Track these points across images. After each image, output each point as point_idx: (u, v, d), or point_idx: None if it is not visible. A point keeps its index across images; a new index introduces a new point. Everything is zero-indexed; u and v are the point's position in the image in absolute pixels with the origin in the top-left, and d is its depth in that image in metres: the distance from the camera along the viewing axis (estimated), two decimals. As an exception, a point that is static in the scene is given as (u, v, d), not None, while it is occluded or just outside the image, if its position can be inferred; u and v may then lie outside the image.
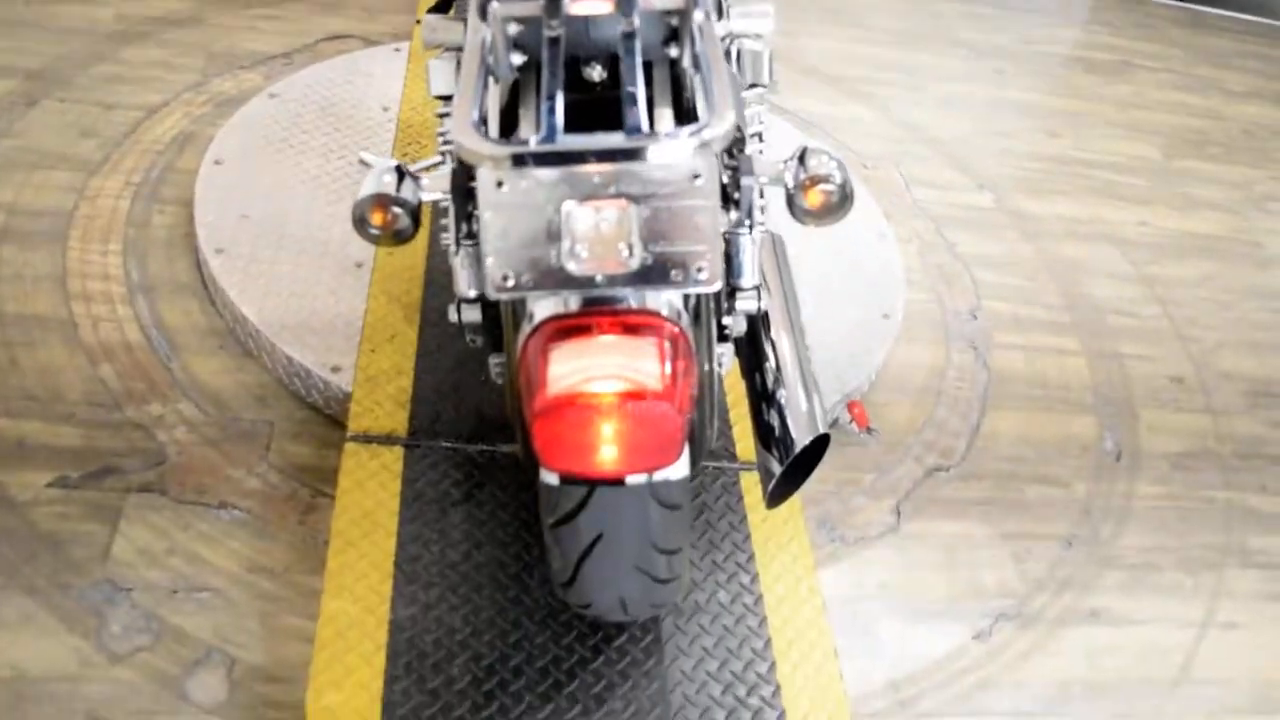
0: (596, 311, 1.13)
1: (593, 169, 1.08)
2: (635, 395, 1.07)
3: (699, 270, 1.12)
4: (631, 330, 1.11)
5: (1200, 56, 4.31)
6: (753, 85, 1.58)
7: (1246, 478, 2.47)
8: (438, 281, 2.27)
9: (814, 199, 1.27)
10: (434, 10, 1.50)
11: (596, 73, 1.26)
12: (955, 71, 3.82)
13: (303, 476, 2.05)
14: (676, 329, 1.14)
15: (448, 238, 1.35)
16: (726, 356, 1.58)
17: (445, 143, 1.58)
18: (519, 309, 1.22)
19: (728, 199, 1.27)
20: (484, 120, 1.13)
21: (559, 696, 1.63)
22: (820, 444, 1.55)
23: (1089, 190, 3.35)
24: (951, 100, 3.61)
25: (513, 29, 1.26)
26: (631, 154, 1.04)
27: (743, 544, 1.89)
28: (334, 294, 2.27)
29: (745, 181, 1.27)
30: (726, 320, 1.59)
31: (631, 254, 1.11)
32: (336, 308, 2.24)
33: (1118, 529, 2.27)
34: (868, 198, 2.85)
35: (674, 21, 1.29)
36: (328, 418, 2.15)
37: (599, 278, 1.11)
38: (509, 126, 1.31)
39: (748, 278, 1.55)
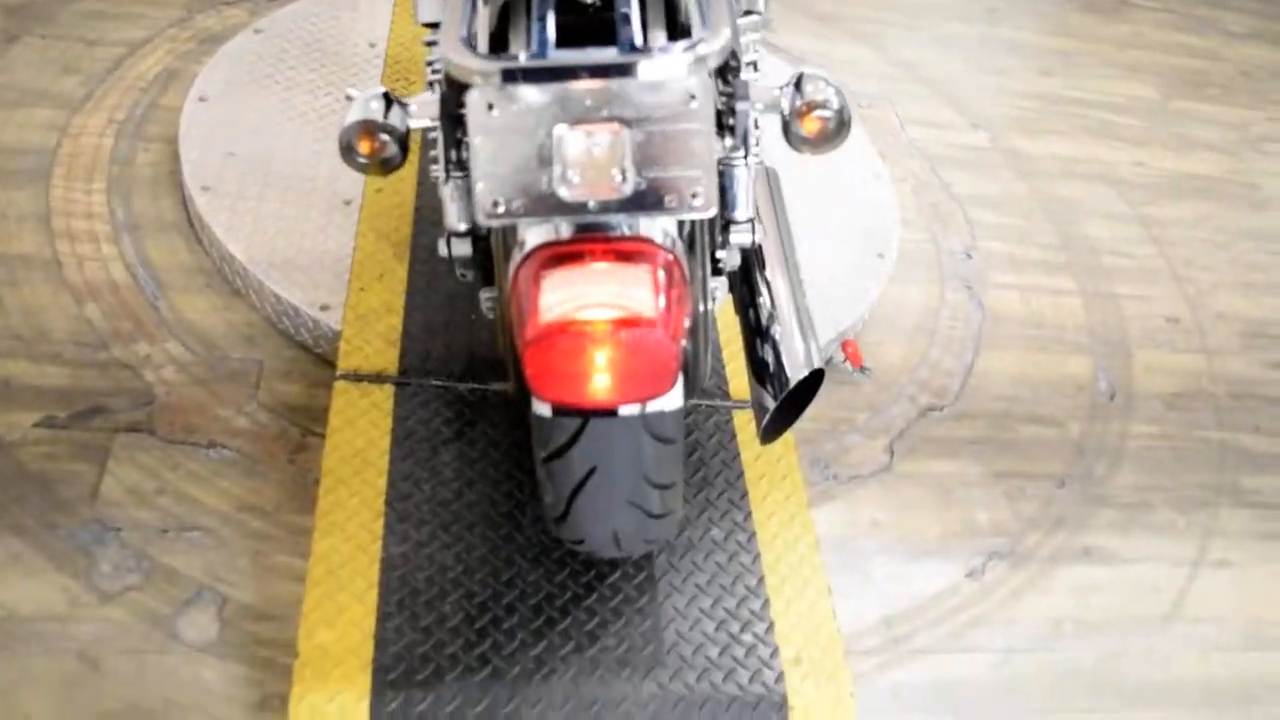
0: (589, 238, 1.11)
1: (584, 88, 1.05)
2: (629, 323, 1.05)
3: (694, 196, 1.10)
4: (625, 257, 1.09)
5: (1199, -4, 4.26)
6: (748, 13, 1.55)
7: (1240, 418, 2.47)
8: (427, 219, 2.24)
9: (810, 125, 1.24)
10: None
11: None
12: (950, 10, 3.77)
13: (292, 415, 2.03)
14: (671, 256, 1.11)
15: (437, 169, 1.32)
16: (720, 290, 1.56)
17: (434, 72, 1.55)
18: (509, 237, 1.20)
19: (723, 125, 1.24)
20: (473, 41, 1.10)
21: (552, 633, 1.62)
22: (815, 380, 1.53)
23: (1085, 130, 3.31)
24: (946, 39, 3.56)
25: None
26: (624, 69, 1.01)
27: (735, 482, 1.88)
28: (322, 231, 2.24)
29: (740, 107, 1.24)
30: (720, 254, 1.57)
31: (625, 179, 1.09)
32: (325, 245, 2.21)
33: (1111, 468, 2.27)
34: (863, 137, 2.82)
35: None
36: (317, 356, 2.13)
37: (591, 204, 1.09)
38: (499, 50, 1.27)
39: (742, 210, 1.52)
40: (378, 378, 1.94)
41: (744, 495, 1.86)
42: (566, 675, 1.58)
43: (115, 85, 2.67)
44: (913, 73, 3.35)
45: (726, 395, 2.01)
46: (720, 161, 1.49)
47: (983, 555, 2.03)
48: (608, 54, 1.03)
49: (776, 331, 1.55)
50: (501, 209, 1.09)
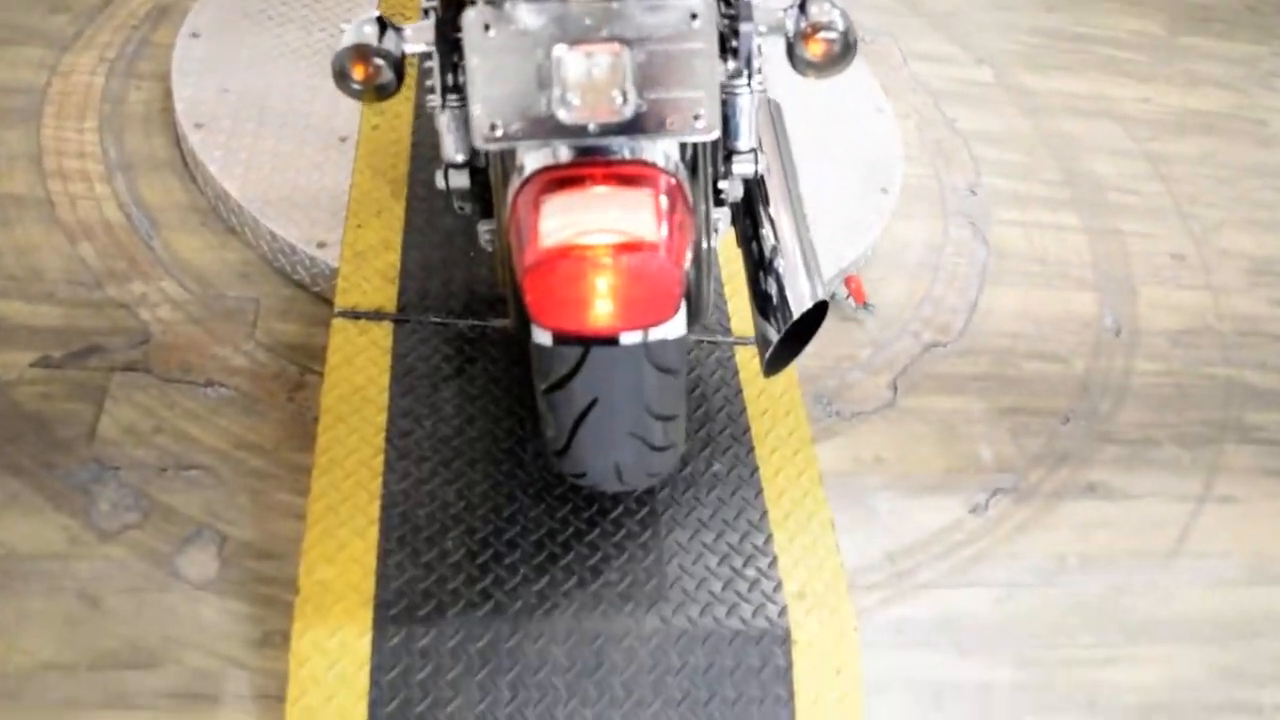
0: (589, 162, 1.08)
1: (584, 8, 1.02)
2: (631, 248, 1.03)
3: (696, 118, 1.07)
4: (626, 181, 1.07)
5: (1207, -71, 4.18)
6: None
7: (1245, 355, 2.45)
8: (424, 155, 2.21)
9: (815, 48, 1.21)
10: None
11: None
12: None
13: (291, 354, 2.01)
14: (673, 180, 1.09)
15: (433, 99, 1.29)
16: (722, 222, 1.53)
17: None
18: (508, 163, 1.17)
19: (725, 47, 1.21)
20: None
21: (554, 569, 1.62)
22: (818, 313, 1.51)
23: (1090, 65, 3.26)
24: (951, -27, 3.50)
25: None
26: None
27: (738, 417, 1.86)
28: (318, 169, 2.21)
29: (744, 28, 1.21)
30: (722, 184, 1.54)
31: (625, 101, 1.06)
32: (321, 182, 2.18)
33: (1116, 405, 2.25)
34: (865, 71, 2.77)
35: None
36: (314, 295, 2.10)
37: (591, 126, 1.06)
38: None
39: (745, 139, 1.50)
40: (376, 315, 1.92)
41: (746, 431, 1.85)
42: (569, 610, 1.57)
43: (106, 23, 2.62)
44: (915, 7, 3.29)
45: (729, 331, 2.00)
46: (723, 88, 1.47)
47: (986, 491, 2.03)
48: None
49: (780, 264, 1.53)
50: (499, 132, 1.07)
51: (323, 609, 1.54)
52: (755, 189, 1.59)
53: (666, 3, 1.03)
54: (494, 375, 1.85)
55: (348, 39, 1.20)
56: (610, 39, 1.04)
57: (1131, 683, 1.82)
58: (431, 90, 1.28)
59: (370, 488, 1.69)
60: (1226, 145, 3.08)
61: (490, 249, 1.54)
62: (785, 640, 1.59)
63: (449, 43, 1.21)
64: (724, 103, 1.52)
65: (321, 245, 2.06)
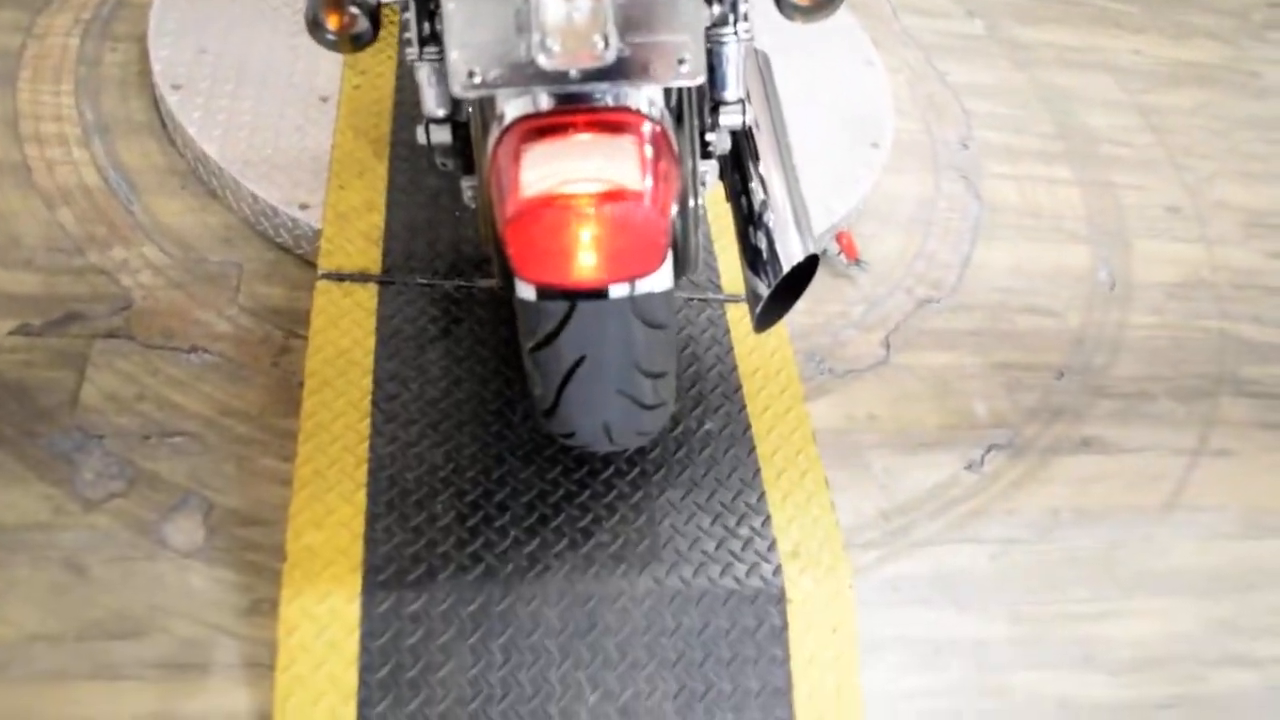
0: (571, 109, 1.05)
1: None
2: (614, 196, 1.00)
3: (680, 63, 1.04)
4: (609, 128, 1.04)
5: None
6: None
7: (1240, 308, 2.43)
8: (407, 114, 2.17)
9: None
10: None
11: None
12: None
13: (275, 318, 1.98)
14: (658, 127, 1.06)
15: (412, 51, 1.26)
16: (710, 175, 1.50)
17: None
18: (487, 112, 1.14)
19: None
20: None
21: (545, 530, 1.60)
22: (809, 267, 1.48)
23: (1082, 18, 3.22)
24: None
25: None
26: None
27: (729, 375, 1.84)
28: (299, 130, 2.17)
29: None
30: (710, 136, 1.51)
31: (607, 46, 1.02)
32: (302, 143, 2.14)
33: (1111, 358, 2.23)
34: (855, 25, 2.73)
35: None
36: (298, 258, 2.07)
37: (573, 72, 1.03)
38: None
39: (732, 90, 1.47)
40: (360, 276, 1.89)
41: (738, 389, 1.82)
42: (561, 572, 1.56)
43: (79, -17, 2.56)
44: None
45: (719, 288, 1.97)
46: (708, 36, 1.43)
47: (981, 447, 2.01)
48: None
49: (769, 218, 1.50)
50: (478, 79, 1.03)
51: (311, 575, 1.52)
52: (744, 141, 1.56)
53: None
54: (481, 336, 1.83)
55: None
56: None
57: (1126, 636, 1.81)
58: (409, 42, 1.24)
59: (357, 452, 1.67)
60: (1220, 97, 3.04)
61: (474, 206, 1.51)
62: (780, 600, 1.58)
63: None
64: (710, 52, 1.49)
65: (304, 207, 2.02)
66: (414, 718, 1.44)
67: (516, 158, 1.03)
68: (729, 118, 1.48)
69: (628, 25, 1.02)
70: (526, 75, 1.03)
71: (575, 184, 1.00)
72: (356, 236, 1.94)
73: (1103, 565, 1.89)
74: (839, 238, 2.20)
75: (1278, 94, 3.11)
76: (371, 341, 1.82)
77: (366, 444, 1.68)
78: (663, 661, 1.52)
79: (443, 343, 1.81)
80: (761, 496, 1.68)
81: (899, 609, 1.78)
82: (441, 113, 1.38)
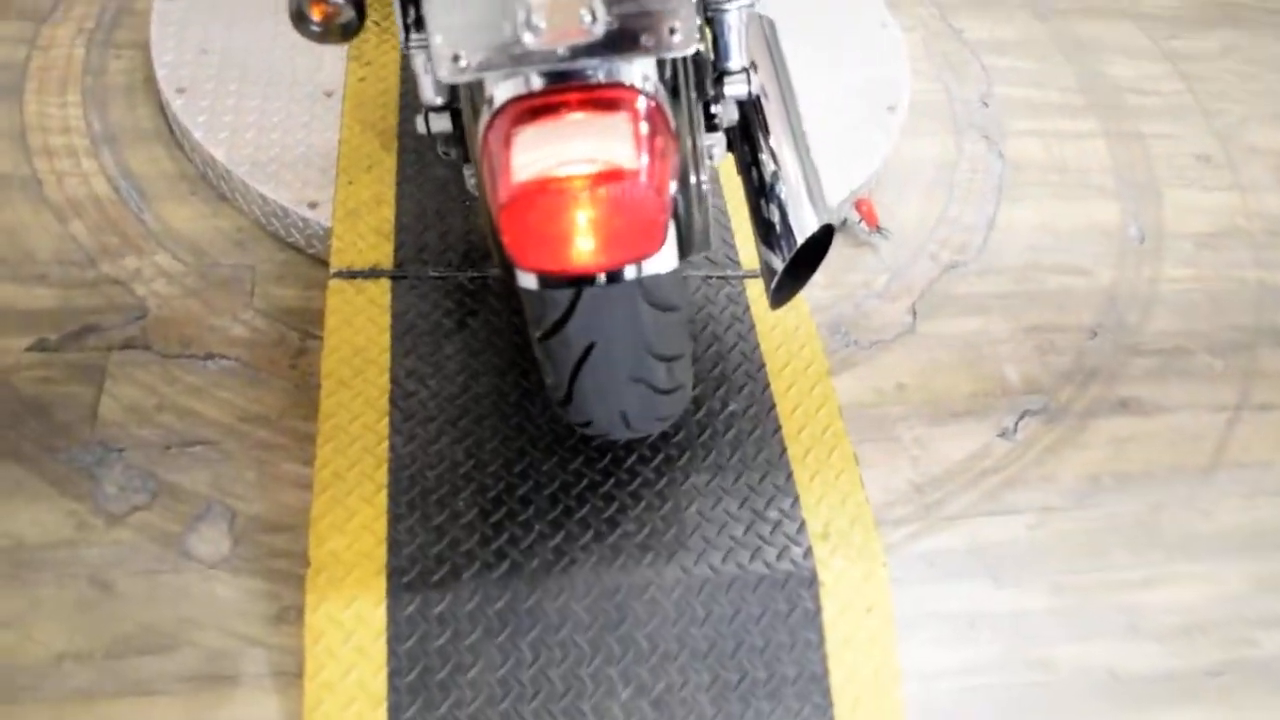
0: (562, 88, 1.01)
1: None
2: (609, 176, 0.96)
3: (671, 32, 0.99)
4: (602, 106, 1.00)
5: None
6: None
7: (1277, 255, 2.35)
8: (413, 105, 2.14)
9: None
10: None
11: None
12: None
13: (290, 320, 1.96)
14: (652, 102, 1.02)
15: (402, 38, 1.22)
16: (717, 148, 1.46)
17: None
18: (477, 96, 1.10)
19: None
20: None
21: (570, 523, 1.57)
22: (824, 238, 1.44)
23: (1103, -36, 3.13)
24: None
25: None
26: None
27: (751, 354, 1.80)
28: (305, 126, 2.14)
29: None
30: (715, 108, 1.47)
31: (595, 20, 0.98)
32: (309, 140, 2.12)
33: (1144, 315, 2.17)
34: (866, -15, 2.67)
35: None
36: (311, 257, 2.05)
37: (560, 50, 0.99)
38: None
39: (735, 59, 1.42)
40: (372, 273, 1.87)
41: (761, 367, 1.78)
42: (587, 565, 1.53)
43: (81, -9, 2.55)
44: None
45: (737, 264, 1.93)
46: (708, 4, 1.39)
47: (1014, 413, 1.96)
48: None
49: (781, 190, 1.45)
50: (463, 63, 1.00)
51: (335, 580, 1.50)
52: (751, 112, 1.51)
53: None
54: (497, 327, 1.80)
55: None
56: None
57: (1172, 602, 1.76)
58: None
59: (376, 452, 1.65)
60: (1249, 39, 2.95)
61: (477, 193, 1.47)
62: (811, 582, 1.54)
63: None
64: (710, 20, 1.44)
65: (313, 205, 2.00)
66: (445, 720, 1.43)
67: (507, 141, 0.99)
68: (734, 88, 1.43)
69: None
70: (513, 56, 0.99)
71: (568, 166, 0.96)
72: (367, 232, 1.92)
73: (1145, 530, 1.84)
74: (858, 205, 2.15)
75: (1309, 31, 3.02)
76: (387, 339, 1.79)
77: (386, 444, 1.66)
78: (694, 652, 1.49)
79: (459, 336, 1.79)
80: (789, 477, 1.64)
81: (934, 585, 1.74)
82: (440, 100, 1.35)
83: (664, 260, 1.13)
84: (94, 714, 1.49)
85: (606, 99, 1.00)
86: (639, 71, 1.03)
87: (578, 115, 0.99)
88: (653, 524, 1.58)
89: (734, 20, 1.42)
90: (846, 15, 2.54)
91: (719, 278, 1.91)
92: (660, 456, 1.66)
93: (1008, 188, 2.37)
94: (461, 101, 1.28)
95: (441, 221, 1.93)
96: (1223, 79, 2.79)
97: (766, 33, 1.63)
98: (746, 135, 1.51)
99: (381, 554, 1.53)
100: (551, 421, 1.67)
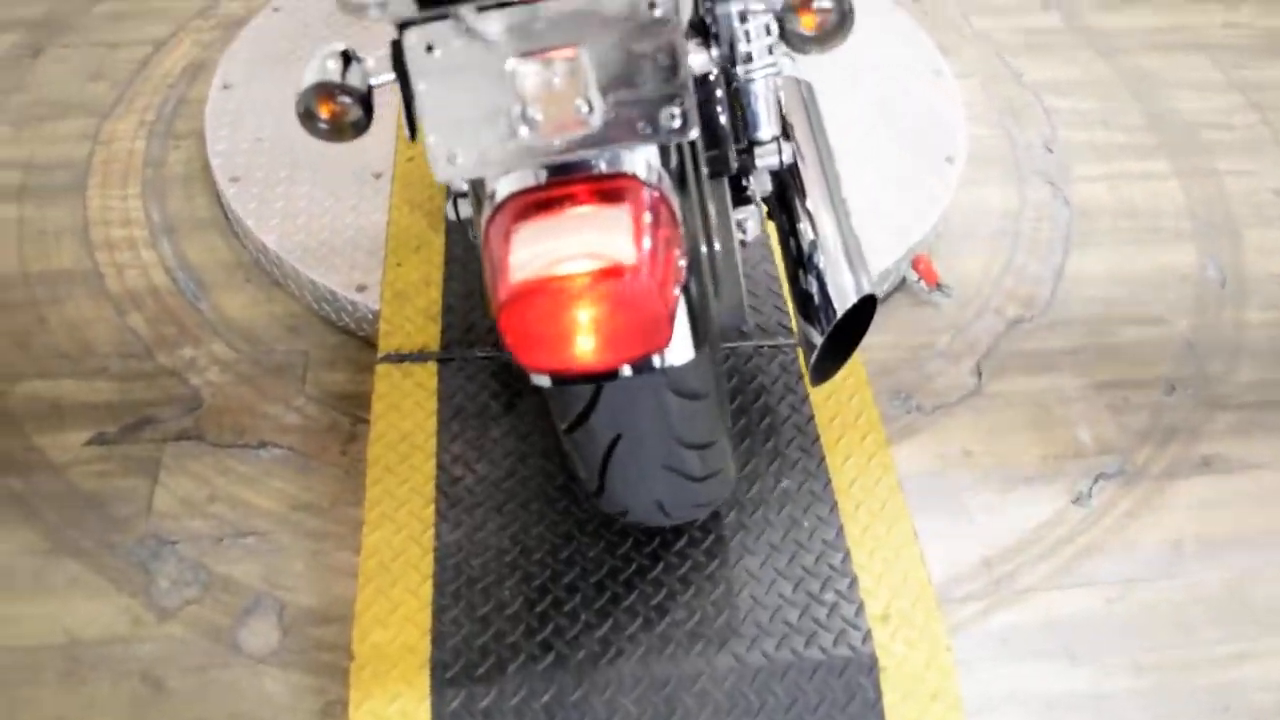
0: (561, 181, 0.98)
1: (530, 12, 0.91)
2: (609, 273, 0.92)
3: (671, 118, 0.95)
4: (601, 198, 0.96)
5: None
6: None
7: (1372, 292, 2.22)
8: (458, 185, 2.13)
9: (808, 21, 1.09)
10: None
11: None
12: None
13: (342, 405, 1.96)
14: (654, 191, 0.98)
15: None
16: (751, 221, 1.42)
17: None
18: (480, 189, 1.08)
19: (707, 34, 1.09)
20: None
21: (617, 611, 1.52)
22: (866, 310, 1.38)
23: (1169, -5, 3.03)
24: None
25: None
26: None
27: (805, 426, 1.74)
28: (354, 209, 2.15)
29: (720, 10, 1.09)
30: (747, 181, 1.43)
31: (591, 109, 0.95)
32: (359, 223, 2.12)
33: (1228, 365, 2.06)
34: (919, 32, 2.61)
35: None
36: (361, 340, 2.05)
37: (557, 142, 0.96)
38: None
39: (765, 129, 1.39)
40: (420, 356, 1.85)
41: (815, 440, 1.72)
42: (635, 655, 1.47)
43: (143, 85, 2.61)
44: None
45: (789, 333, 1.87)
46: (731, 76, 1.36)
47: (1089, 477, 1.86)
48: None
49: (819, 259, 1.40)
50: (460, 161, 0.97)
51: (379, 675, 1.47)
52: (789, 179, 1.47)
53: None
54: (544, 409, 1.76)
55: (309, 76, 1.12)
56: (565, 43, 0.93)
57: (1268, 679, 1.64)
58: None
59: (422, 541, 1.62)
60: (1329, 63, 2.82)
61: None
62: (871, 668, 1.46)
63: (404, 66, 1.12)
64: (737, 91, 1.41)
65: (362, 288, 2.00)
66: (491, 823, 1.38)
67: (506, 238, 0.96)
68: (765, 159, 1.40)
69: (610, 84, 0.94)
70: (510, 152, 0.96)
71: (566, 263, 0.93)
72: (415, 314, 1.91)
73: (1235, 600, 1.72)
74: (915, 263, 2.08)
75: (1396, 51, 2.87)
76: (433, 423, 1.77)
77: (431, 531, 1.63)
78: (748, 746, 1.42)
79: (506, 418, 1.76)
80: (846, 557, 1.57)
81: (1008, 664, 1.64)
82: (465, 186, 1.33)
83: (678, 352, 1.09)
84: (141, 820, 1.48)
85: (606, 190, 0.97)
86: (641, 159, 0.99)
87: (577, 209, 0.96)
88: (703, 610, 1.52)
89: (761, 89, 1.38)
90: (899, 66, 2.48)
91: (770, 347, 1.86)
92: (711, 538, 1.60)
93: (1075, 236, 2.28)
94: (470, 190, 1.26)
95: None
96: (1302, 108, 2.67)
97: (804, 96, 1.59)
98: (783, 204, 1.47)
99: (425, 647, 1.49)
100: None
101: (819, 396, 1.80)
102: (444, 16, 0.91)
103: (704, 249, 1.21)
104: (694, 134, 0.96)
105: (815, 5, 1.08)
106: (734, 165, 1.29)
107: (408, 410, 1.80)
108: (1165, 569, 1.75)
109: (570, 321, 0.94)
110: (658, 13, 0.92)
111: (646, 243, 0.94)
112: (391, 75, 1.12)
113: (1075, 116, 2.57)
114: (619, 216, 0.94)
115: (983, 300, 2.13)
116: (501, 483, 1.68)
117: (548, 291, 0.93)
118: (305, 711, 1.58)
